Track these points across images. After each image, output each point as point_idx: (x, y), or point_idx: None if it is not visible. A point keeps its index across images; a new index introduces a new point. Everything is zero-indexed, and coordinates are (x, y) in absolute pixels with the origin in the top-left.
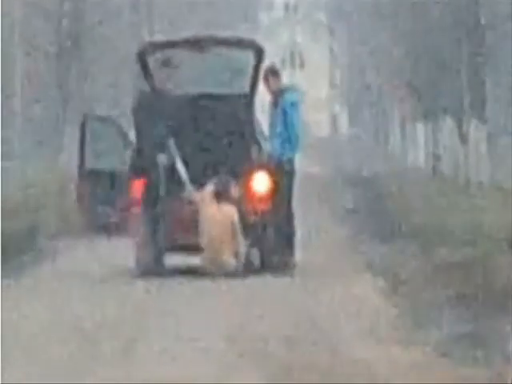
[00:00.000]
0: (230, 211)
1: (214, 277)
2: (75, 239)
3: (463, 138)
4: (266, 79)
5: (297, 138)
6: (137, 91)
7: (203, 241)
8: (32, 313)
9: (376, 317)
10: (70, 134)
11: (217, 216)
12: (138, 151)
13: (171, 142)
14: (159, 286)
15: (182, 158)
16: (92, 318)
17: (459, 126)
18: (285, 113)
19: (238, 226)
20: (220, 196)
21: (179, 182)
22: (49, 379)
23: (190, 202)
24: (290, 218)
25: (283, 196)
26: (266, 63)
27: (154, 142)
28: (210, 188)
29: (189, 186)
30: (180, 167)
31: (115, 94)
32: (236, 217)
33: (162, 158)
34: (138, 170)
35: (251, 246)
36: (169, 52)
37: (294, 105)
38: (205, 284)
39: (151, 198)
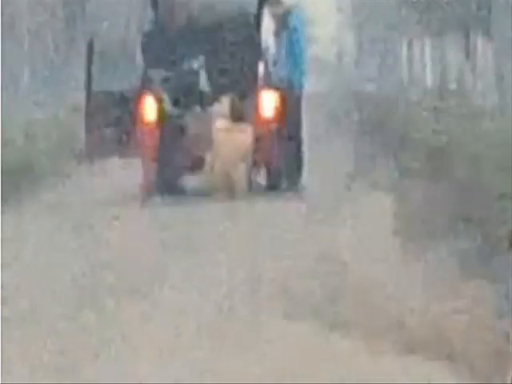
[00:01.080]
0: (244, 131)
1: (223, 198)
2: (84, 164)
3: (469, 55)
4: (270, 3)
5: (303, 60)
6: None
7: (215, 160)
8: (36, 241)
9: (386, 237)
10: (77, 57)
11: (231, 136)
12: (148, 68)
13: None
14: (169, 206)
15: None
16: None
17: (465, 43)
18: (290, 36)
19: (251, 147)
20: (233, 114)
21: (191, 100)
22: (55, 308)
23: (202, 120)
24: (297, 138)
25: (291, 116)
26: None
27: (165, 60)
28: (223, 105)
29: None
30: (203, 79)
31: (122, 14)
32: (251, 137)
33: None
34: (149, 87)
35: (260, 166)
36: None
37: (299, 28)
38: (213, 206)
39: (163, 116)
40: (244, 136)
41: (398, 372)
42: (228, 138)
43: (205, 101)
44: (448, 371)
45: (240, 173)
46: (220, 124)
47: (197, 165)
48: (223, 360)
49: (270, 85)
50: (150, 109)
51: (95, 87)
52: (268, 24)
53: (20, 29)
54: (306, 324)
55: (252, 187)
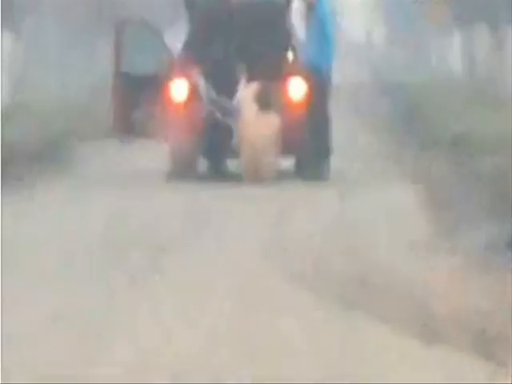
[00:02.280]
0: (272, 119)
1: (251, 183)
2: (109, 143)
3: (499, 46)
4: None
5: (332, 47)
6: None
7: (243, 146)
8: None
9: (414, 225)
10: (105, 38)
11: (259, 123)
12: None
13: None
14: (194, 190)
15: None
16: (120, 225)
17: (494, 34)
18: (320, 23)
19: (278, 135)
20: (261, 100)
21: (219, 85)
22: (74, 289)
23: (231, 106)
24: (326, 125)
25: (319, 103)
26: None
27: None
28: (251, 91)
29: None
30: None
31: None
32: (278, 125)
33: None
34: (182, 70)
35: (287, 152)
36: None
37: (328, 14)
38: (240, 190)
39: (192, 99)
40: (271, 124)
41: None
42: (255, 126)
43: (235, 85)
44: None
45: (267, 160)
46: (248, 111)
47: (226, 149)
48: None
49: (298, 70)
50: (180, 89)
51: (124, 68)
52: (297, 10)
53: (46, 6)
54: (333, 304)
55: (280, 173)
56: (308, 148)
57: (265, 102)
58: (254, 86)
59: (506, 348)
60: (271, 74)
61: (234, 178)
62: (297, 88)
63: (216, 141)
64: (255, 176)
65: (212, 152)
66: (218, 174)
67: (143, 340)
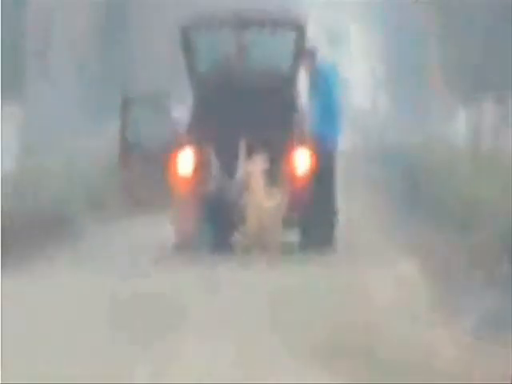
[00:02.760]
0: (278, 197)
1: (256, 259)
2: (116, 218)
3: (505, 119)
4: (304, 60)
5: (339, 117)
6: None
7: (249, 222)
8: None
9: (414, 298)
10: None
11: (266, 201)
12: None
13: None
14: (200, 262)
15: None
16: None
17: (502, 108)
18: (325, 92)
19: (283, 213)
20: (267, 175)
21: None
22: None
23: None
24: (332, 199)
25: (325, 174)
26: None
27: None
28: (259, 164)
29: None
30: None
31: (157, 70)
32: (284, 203)
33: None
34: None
35: (292, 226)
36: (213, 29)
37: (334, 85)
38: (245, 265)
39: (199, 173)
40: (277, 199)
41: None
42: (262, 200)
43: (237, 158)
44: None
45: (273, 237)
46: (255, 186)
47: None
48: None
49: (304, 142)
50: (186, 162)
51: (131, 140)
52: (303, 80)
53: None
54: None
55: (285, 248)
56: (313, 222)
57: (270, 176)
58: (260, 160)
59: None
60: (276, 145)
61: (239, 253)
62: (302, 160)
63: (222, 215)
64: (260, 253)
65: (217, 226)
66: (223, 248)
67: None
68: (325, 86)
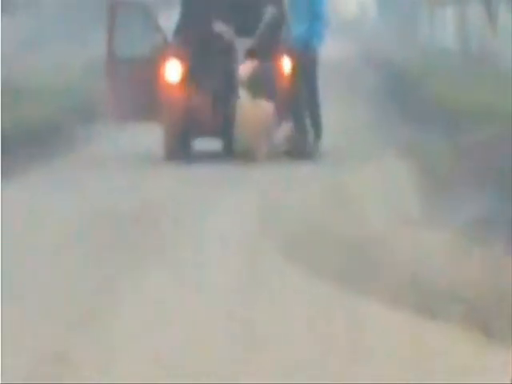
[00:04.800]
0: (267, 107)
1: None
2: (103, 126)
3: (492, 21)
4: None
5: (323, 25)
6: None
7: (237, 131)
8: (59, 200)
9: (402, 199)
10: (99, 20)
11: (253, 111)
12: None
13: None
14: (186, 170)
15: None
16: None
17: (488, 9)
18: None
19: (273, 121)
20: (254, 86)
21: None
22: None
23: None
24: (316, 103)
25: (309, 81)
26: None
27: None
28: (245, 74)
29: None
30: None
31: None
32: (272, 113)
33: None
34: (175, 50)
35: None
36: None
37: None
38: (231, 168)
39: (189, 79)
40: (264, 112)
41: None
42: (249, 114)
43: (232, 63)
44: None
45: (261, 146)
46: (241, 100)
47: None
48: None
49: (287, 49)
50: (174, 71)
51: (117, 50)
52: None
53: None
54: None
55: (272, 155)
56: (297, 126)
57: (258, 87)
58: (248, 69)
59: (497, 320)
60: (264, 52)
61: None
62: (286, 68)
63: (228, 120)
64: (247, 157)
65: (225, 131)
66: (231, 152)
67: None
68: None
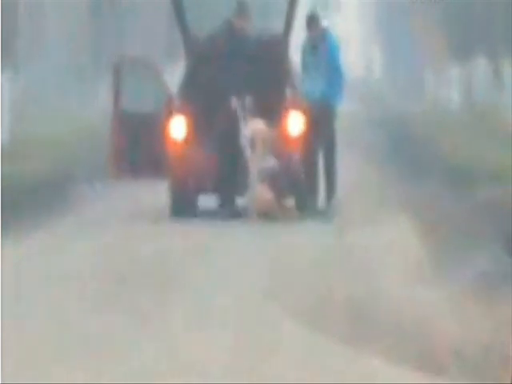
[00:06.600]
0: (270, 163)
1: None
2: (108, 184)
3: (497, 78)
4: (309, 26)
5: (343, 81)
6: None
7: (255, 191)
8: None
9: (409, 258)
10: (103, 76)
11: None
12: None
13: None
14: (191, 227)
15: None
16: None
17: (493, 66)
18: (329, 55)
19: (278, 176)
20: (261, 142)
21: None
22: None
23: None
24: (331, 160)
25: (325, 137)
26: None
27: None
28: (260, 124)
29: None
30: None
31: (149, 35)
32: (277, 168)
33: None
34: (179, 108)
35: (287, 190)
36: None
37: (337, 48)
38: (238, 225)
39: (191, 137)
40: (270, 167)
41: None
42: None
43: (236, 122)
44: None
45: (269, 200)
46: (256, 149)
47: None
48: None
49: (296, 104)
50: (179, 127)
51: (123, 106)
52: (302, 45)
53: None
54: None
55: (281, 212)
56: (308, 186)
57: (264, 143)
58: (259, 122)
59: (501, 378)
60: (270, 110)
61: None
62: (296, 123)
63: (228, 177)
64: (269, 216)
65: (224, 188)
66: (229, 211)
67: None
68: (328, 48)
